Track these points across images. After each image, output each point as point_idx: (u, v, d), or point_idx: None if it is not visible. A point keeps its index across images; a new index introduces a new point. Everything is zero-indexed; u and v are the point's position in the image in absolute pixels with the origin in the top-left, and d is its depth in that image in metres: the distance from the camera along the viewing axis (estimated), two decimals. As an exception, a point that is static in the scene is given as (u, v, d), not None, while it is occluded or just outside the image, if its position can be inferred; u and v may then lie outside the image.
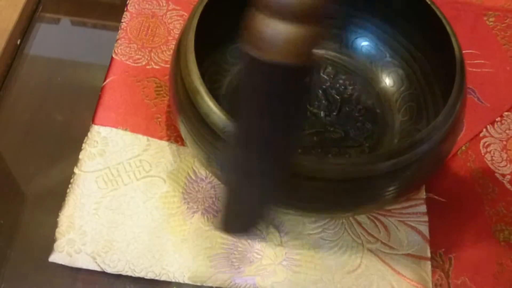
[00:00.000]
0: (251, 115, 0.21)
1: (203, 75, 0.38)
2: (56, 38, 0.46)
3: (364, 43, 0.42)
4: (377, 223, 0.35)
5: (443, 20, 0.33)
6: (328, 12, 0.18)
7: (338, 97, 0.41)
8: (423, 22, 0.36)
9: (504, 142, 0.40)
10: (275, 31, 0.17)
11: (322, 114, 0.40)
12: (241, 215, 0.27)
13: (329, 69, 0.42)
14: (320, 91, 0.41)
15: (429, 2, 0.34)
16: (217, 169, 0.30)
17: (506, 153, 0.39)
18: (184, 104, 0.31)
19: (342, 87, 0.41)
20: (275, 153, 0.22)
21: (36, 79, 0.42)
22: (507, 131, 0.40)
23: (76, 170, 0.35)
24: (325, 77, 0.42)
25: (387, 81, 0.41)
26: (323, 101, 0.40)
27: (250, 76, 0.20)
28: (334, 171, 0.27)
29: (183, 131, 0.32)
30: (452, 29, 0.33)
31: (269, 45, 0.18)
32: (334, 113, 0.40)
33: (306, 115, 0.22)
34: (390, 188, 0.30)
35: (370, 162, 0.27)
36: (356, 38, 0.42)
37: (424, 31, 0.37)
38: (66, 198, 0.34)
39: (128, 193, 0.35)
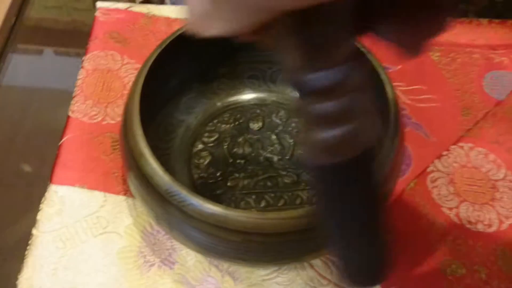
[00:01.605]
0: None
1: (157, 127, 0.40)
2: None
3: (313, 87, 0.43)
4: (330, 264, 0.36)
5: (379, 69, 0.35)
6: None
7: (291, 141, 0.42)
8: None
9: (451, 176, 0.41)
10: (332, 137, 0.19)
11: (275, 158, 0.41)
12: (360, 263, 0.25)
13: (282, 113, 0.44)
14: (274, 136, 0.42)
15: (363, 50, 0.36)
16: (165, 226, 0.31)
17: (453, 186, 0.41)
18: (131, 165, 0.32)
19: (295, 130, 0.43)
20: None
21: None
22: (454, 164, 0.42)
23: (34, 231, 0.36)
24: (278, 121, 0.43)
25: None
26: (276, 146, 0.42)
27: (327, 183, 0.21)
28: (274, 225, 0.29)
29: (132, 189, 0.33)
30: (386, 75, 0.35)
31: (333, 151, 0.19)
32: (287, 157, 0.41)
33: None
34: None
35: (307, 215, 0.29)
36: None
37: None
38: (25, 260, 0.35)
39: (86, 251, 0.36)
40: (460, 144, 0.43)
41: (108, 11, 0.48)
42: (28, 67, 0.50)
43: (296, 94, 0.19)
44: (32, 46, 0.52)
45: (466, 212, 0.39)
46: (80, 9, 0.55)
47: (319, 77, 0.18)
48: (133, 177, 0.32)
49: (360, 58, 0.19)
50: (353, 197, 0.21)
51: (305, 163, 0.20)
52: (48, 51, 0.52)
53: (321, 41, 0.17)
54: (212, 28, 0.16)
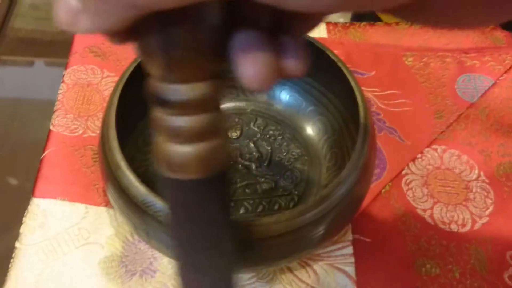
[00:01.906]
0: (178, 225, 0.22)
1: (136, 138, 0.41)
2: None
3: (289, 95, 0.44)
4: (307, 268, 0.37)
5: (349, 77, 0.36)
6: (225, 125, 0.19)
7: (268, 148, 0.43)
8: (336, 77, 0.38)
9: (425, 178, 0.42)
10: (180, 154, 0.18)
11: (253, 166, 0.42)
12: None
13: (259, 121, 0.45)
14: (251, 144, 0.43)
15: (335, 59, 0.37)
16: (143, 236, 0.32)
17: (426, 188, 0.42)
18: (109, 176, 0.33)
19: (272, 137, 0.44)
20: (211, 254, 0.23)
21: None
22: (428, 167, 0.43)
23: (17, 244, 0.37)
24: (256, 129, 0.44)
25: (313, 129, 0.43)
26: (254, 153, 0.43)
27: (169, 191, 0.21)
28: (248, 232, 0.29)
29: (111, 200, 0.34)
30: (356, 83, 0.36)
31: (176, 167, 0.19)
32: (265, 164, 0.42)
33: (230, 215, 0.22)
34: (312, 236, 0.32)
35: (280, 221, 0.30)
36: (281, 90, 0.45)
37: (339, 83, 0.39)
38: (8, 273, 0.36)
39: (68, 262, 0.36)
40: (434, 146, 0.44)
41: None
42: (16, 78, 0.51)
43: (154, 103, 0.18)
44: (20, 58, 0.53)
45: (440, 213, 0.40)
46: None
47: (179, 90, 0.17)
48: (111, 189, 0.32)
49: (223, 78, 0.19)
50: (196, 217, 0.21)
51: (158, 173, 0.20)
52: (37, 62, 0.53)
53: (187, 51, 0.16)
54: (81, 24, 0.16)
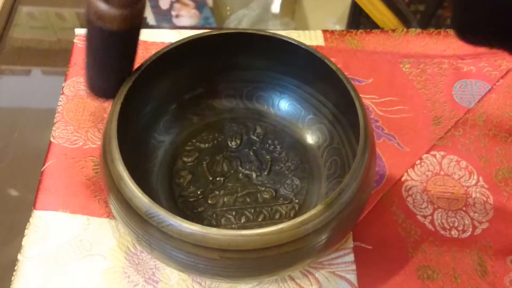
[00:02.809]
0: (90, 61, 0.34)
1: (138, 148, 0.41)
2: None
3: (288, 103, 0.45)
4: (309, 276, 0.38)
5: (348, 86, 0.36)
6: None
7: (268, 157, 0.43)
8: (335, 85, 0.38)
9: (424, 184, 0.42)
10: (109, 12, 0.29)
11: (254, 175, 0.42)
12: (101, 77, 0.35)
13: (259, 130, 0.45)
14: (251, 153, 0.43)
15: (333, 68, 0.37)
16: (146, 247, 0.32)
17: (426, 194, 0.42)
18: (111, 188, 0.33)
19: (272, 146, 0.44)
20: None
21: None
22: (427, 173, 0.43)
23: (19, 256, 0.37)
24: (255, 138, 0.44)
25: (313, 138, 0.44)
26: (254, 162, 0.43)
27: (91, 35, 0.31)
28: (250, 242, 0.30)
29: (113, 211, 0.34)
30: (356, 92, 0.36)
31: (104, 19, 0.29)
32: (265, 173, 0.42)
33: (132, 62, 0.35)
34: (315, 245, 0.32)
35: (282, 231, 0.30)
36: (280, 99, 0.45)
37: (337, 92, 0.40)
38: (11, 286, 0.36)
39: (70, 274, 0.36)
40: (433, 152, 0.44)
41: (86, 37, 0.50)
42: (15, 88, 0.51)
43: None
44: (18, 67, 0.53)
45: (440, 219, 0.41)
46: (65, 28, 0.56)
47: None
48: (114, 200, 0.32)
49: None
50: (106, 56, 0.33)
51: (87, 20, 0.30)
52: (35, 71, 0.53)
53: None
54: None
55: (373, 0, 0.58)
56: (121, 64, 0.34)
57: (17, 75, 0.53)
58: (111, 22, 0.29)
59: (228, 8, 0.61)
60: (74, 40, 0.50)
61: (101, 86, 0.35)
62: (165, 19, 0.58)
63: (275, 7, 0.62)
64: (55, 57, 0.54)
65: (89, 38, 0.32)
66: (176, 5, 0.59)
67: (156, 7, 0.59)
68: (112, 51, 0.32)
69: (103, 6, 0.28)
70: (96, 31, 0.30)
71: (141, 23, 0.32)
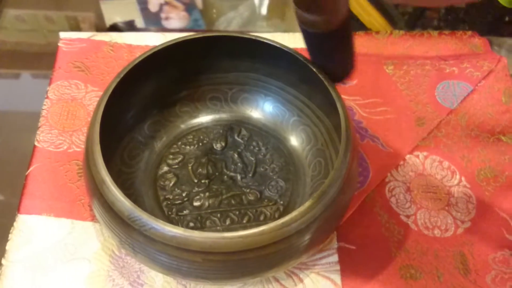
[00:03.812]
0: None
1: (122, 151, 0.41)
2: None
3: (272, 105, 0.45)
4: (294, 277, 0.38)
5: (330, 88, 0.37)
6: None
7: (252, 159, 0.44)
8: (317, 87, 0.39)
9: (408, 184, 0.43)
10: (309, 19, 0.32)
11: (238, 177, 0.42)
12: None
13: (244, 132, 0.45)
14: (236, 155, 0.44)
15: (315, 70, 0.37)
16: (130, 250, 0.32)
17: (409, 194, 0.42)
18: (94, 192, 0.33)
19: (256, 148, 0.44)
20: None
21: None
22: (410, 173, 0.44)
23: (3, 261, 0.37)
24: (240, 140, 0.45)
25: (297, 139, 0.44)
26: (239, 164, 0.43)
27: (309, 37, 0.35)
28: (231, 244, 0.30)
29: (97, 215, 0.34)
30: (337, 94, 0.36)
31: (310, 25, 0.32)
32: (250, 175, 0.43)
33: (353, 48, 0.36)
34: (298, 246, 0.33)
35: (264, 232, 0.30)
36: (265, 101, 0.45)
37: (320, 93, 0.40)
38: (-5, 291, 0.36)
39: (55, 278, 0.36)
40: (416, 153, 0.45)
41: (71, 41, 0.50)
42: (2, 91, 0.51)
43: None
44: (4, 70, 0.53)
45: (423, 218, 0.41)
46: (53, 30, 0.56)
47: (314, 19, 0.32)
48: (97, 204, 0.33)
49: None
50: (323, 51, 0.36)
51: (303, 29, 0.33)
52: (23, 74, 0.53)
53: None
54: None
55: (361, 1, 0.59)
56: (344, 53, 0.36)
57: (4, 78, 0.53)
58: (317, 27, 0.32)
59: (214, 11, 0.62)
60: (59, 44, 0.50)
61: (338, 71, 0.38)
62: (155, 22, 0.58)
63: (263, 9, 0.63)
64: (40, 60, 0.54)
65: (308, 39, 0.35)
66: (166, 8, 0.60)
67: (145, 10, 0.59)
68: (331, 47, 0.35)
69: (306, 16, 0.32)
70: (310, 34, 0.34)
71: (348, 20, 0.33)
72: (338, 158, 0.33)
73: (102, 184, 0.32)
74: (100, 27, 0.57)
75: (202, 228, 0.39)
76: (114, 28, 0.56)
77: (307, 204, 0.31)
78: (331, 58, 0.37)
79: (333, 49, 0.36)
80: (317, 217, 0.32)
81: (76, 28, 0.57)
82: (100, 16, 0.58)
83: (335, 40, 0.34)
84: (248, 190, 0.42)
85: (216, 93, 0.45)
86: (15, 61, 0.54)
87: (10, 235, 0.38)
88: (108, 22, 0.57)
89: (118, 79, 0.36)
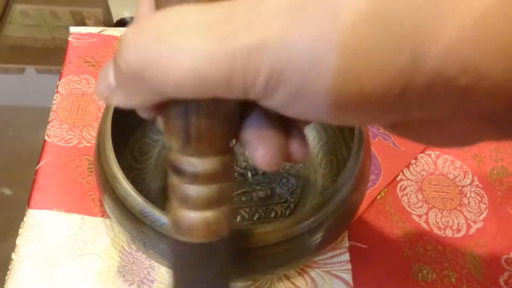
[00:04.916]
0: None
1: (133, 147, 0.41)
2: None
3: (284, 102, 0.45)
4: (305, 275, 0.37)
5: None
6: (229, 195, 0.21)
7: (263, 156, 0.43)
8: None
9: (419, 184, 0.43)
10: (188, 219, 0.21)
11: (249, 174, 0.42)
12: None
13: (255, 129, 0.45)
14: (247, 152, 0.43)
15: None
16: (141, 246, 0.32)
17: (421, 194, 0.42)
18: (105, 187, 0.33)
19: (267, 145, 0.44)
20: None
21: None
22: (422, 172, 0.43)
23: (13, 256, 0.37)
24: (251, 137, 0.44)
25: (309, 136, 0.44)
26: (250, 161, 0.43)
27: (175, 251, 0.23)
28: (243, 241, 0.29)
29: (108, 210, 0.34)
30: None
31: (183, 230, 0.21)
32: (261, 172, 0.42)
33: (231, 274, 0.25)
34: (309, 244, 0.32)
35: (276, 230, 0.30)
36: (276, 98, 0.45)
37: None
38: (5, 285, 0.36)
39: (65, 274, 0.36)
40: (428, 152, 0.44)
41: (81, 36, 0.49)
42: (9, 86, 0.51)
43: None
44: (12, 65, 0.53)
45: (435, 218, 0.41)
46: (59, 26, 0.56)
47: (193, 163, 0.19)
48: (108, 199, 0.32)
49: (233, 152, 0.21)
50: (196, 278, 0.23)
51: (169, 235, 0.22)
52: (29, 69, 0.53)
53: (201, 131, 0.19)
54: (115, 100, 0.18)
55: None
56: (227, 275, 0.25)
57: (11, 73, 0.53)
58: (210, 232, 0.21)
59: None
60: (69, 39, 0.50)
61: None
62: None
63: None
64: (49, 56, 0.54)
65: (184, 270, 0.24)
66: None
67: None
68: (217, 266, 0.24)
69: (192, 216, 0.21)
70: (193, 254, 0.23)
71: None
72: (351, 156, 0.33)
73: (113, 179, 0.32)
74: (108, 22, 0.57)
75: (212, 225, 0.39)
76: (122, 23, 0.56)
77: (319, 201, 0.31)
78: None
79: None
80: (329, 215, 0.31)
81: (82, 23, 0.57)
82: (107, 11, 0.58)
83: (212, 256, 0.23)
84: (258, 187, 0.41)
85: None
86: (21, 56, 0.54)
87: (20, 230, 0.38)
88: (116, 17, 0.57)
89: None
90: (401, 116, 0.17)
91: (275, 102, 0.16)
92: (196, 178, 0.20)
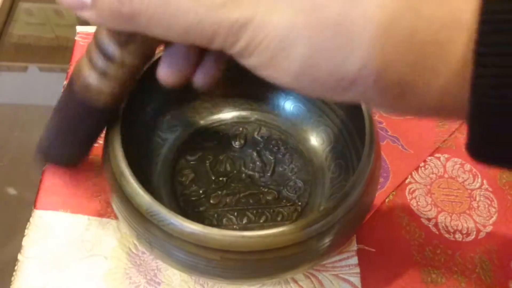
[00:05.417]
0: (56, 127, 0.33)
1: (140, 146, 0.40)
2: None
3: (293, 105, 0.44)
4: (313, 279, 0.37)
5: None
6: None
7: (271, 158, 0.43)
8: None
9: (428, 187, 0.42)
10: (88, 77, 0.28)
11: (257, 175, 0.42)
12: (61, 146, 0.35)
13: (263, 130, 0.44)
14: (255, 153, 0.43)
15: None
16: (146, 245, 0.32)
17: (430, 197, 0.42)
18: (113, 185, 0.32)
19: (276, 147, 0.44)
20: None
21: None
22: (431, 175, 0.43)
23: (19, 257, 0.37)
24: (259, 138, 0.44)
25: (317, 140, 0.43)
26: (258, 163, 0.43)
27: (64, 99, 0.31)
28: (250, 244, 0.29)
29: (115, 209, 0.33)
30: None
31: (81, 83, 0.28)
32: (268, 174, 0.42)
33: (96, 137, 0.34)
34: (318, 248, 0.32)
35: (284, 233, 0.29)
36: (286, 100, 0.45)
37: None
38: (11, 287, 0.35)
39: (72, 275, 0.36)
40: (437, 155, 0.44)
41: (88, 35, 0.49)
42: (14, 85, 0.51)
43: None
44: (16, 64, 0.53)
45: (444, 222, 0.40)
46: (63, 25, 0.56)
47: (116, 50, 0.26)
48: (116, 198, 0.32)
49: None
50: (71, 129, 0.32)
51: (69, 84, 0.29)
52: (33, 68, 0.53)
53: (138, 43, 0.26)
54: (84, 14, 0.22)
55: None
56: (91, 138, 0.34)
57: (15, 71, 0.53)
58: (97, 97, 0.28)
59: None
60: (76, 38, 0.49)
61: (60, 154, 0.36)
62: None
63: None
64: (53, 54, 0.53)
65: (63, 107, 0.32)
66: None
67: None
68: (88, 125, 0.32)
69: (92, 79, 0.28)
70: (75, 102, 0.29)
71: (123, 100, 0.32)
72: (362, 160, 0.33)
73: (121, 177, 0.31)
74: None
75: (218, 225, 0.39)
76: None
77: (329, 205, 0.30)
78: (76, 138, 0.34)
79: (90, 129, 0.33)
80: (338, 219, 0.31)
81: (86, 22, 0.57)
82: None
83: (101, 119, 0.32)
84: (266, 190, 0.41)
85: (236, 91, 0.45)
86: (25, 55, 0.54)
87: (26, 231, 0.38)
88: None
89: (139, 74, 0.36)
90: (343, 97, 0.21)
91: (247, 63, 0.21)
92: (111, 60, 0.26)
